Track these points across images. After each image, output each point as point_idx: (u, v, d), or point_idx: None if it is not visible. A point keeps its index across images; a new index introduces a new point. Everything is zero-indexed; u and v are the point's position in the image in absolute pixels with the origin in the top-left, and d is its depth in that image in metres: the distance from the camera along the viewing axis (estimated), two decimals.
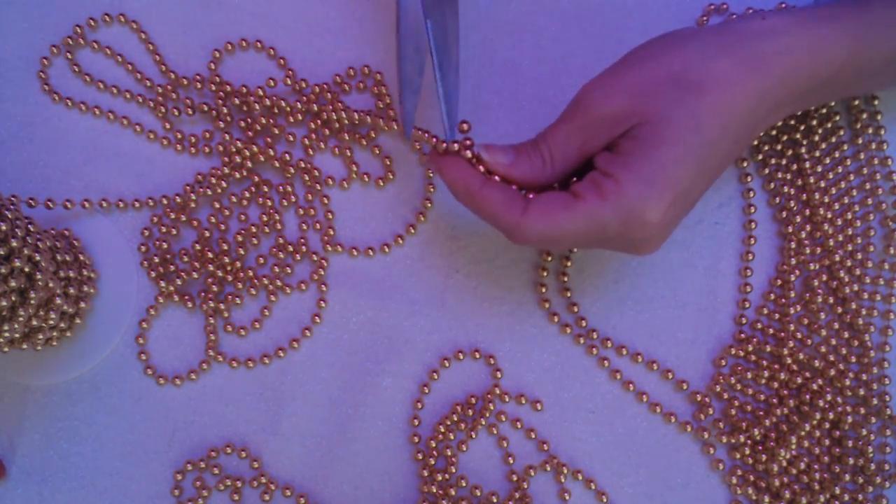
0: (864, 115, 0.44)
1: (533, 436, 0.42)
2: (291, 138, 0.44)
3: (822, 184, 0.44)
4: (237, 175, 0.44)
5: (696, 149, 0.33)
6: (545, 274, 0.43)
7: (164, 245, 0.43)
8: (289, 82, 0.44)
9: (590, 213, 0.33)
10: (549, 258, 0.43)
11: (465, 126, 0.36)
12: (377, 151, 0.44)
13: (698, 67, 0.34)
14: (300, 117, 0.44)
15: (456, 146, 0.36)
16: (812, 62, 0.35)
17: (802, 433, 0.41)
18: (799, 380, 0.41)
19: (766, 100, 0.34)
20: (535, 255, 0.43)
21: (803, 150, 0.44)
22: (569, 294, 0.43)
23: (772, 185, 0.44)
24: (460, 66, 0.45)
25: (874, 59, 0.36)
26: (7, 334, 0.36)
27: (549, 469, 0.41)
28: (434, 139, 0.38)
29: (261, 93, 0.44)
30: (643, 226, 0.33)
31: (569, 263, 0.43)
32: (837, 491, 0.40)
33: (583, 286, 0.43)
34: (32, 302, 0.36)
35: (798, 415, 0.41)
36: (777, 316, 0.43)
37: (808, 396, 0.41)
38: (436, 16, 0.37)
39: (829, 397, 0.41)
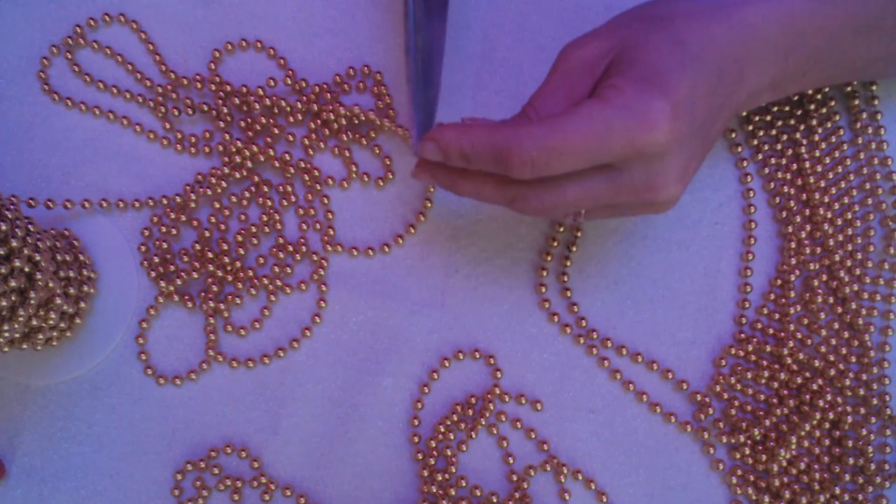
0: (864, 115, 0.44)
1: (533, 436, 0.42)
2: (291, 138, 0.44)
3: (822, 184, 0.44)
4: (237, 175, 0.44)
5: (683, 59, 0.32)
6: (545, 274, 0.43)
7: (164, 245, 0.43)
8: (289, 82, 0.44)
9: (591, 115, 0.31)
10: (556, 243, 0.43)
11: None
12: (377, 151, 0.44)
13: (668, 5, 0.35)
14: (300, 117, 0.44)
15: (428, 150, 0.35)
16: (778, 13, 0.35)
17: (802, 433, 0.41)
18: (799, 380, 0.41)
19: (741, 41, 0.34)
20: (535, 256, 0.43)
21: (803, 150, 0.44)
22: (569, 294, 0.43)
23: (772, 185, 0.44)
24: (460, 67, 0.45)
25: (840, 19, 0.36)
26: (7, 334, 0.36)
27: (549, 469, 0.41)
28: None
29: (261, 92, 0.44)
30: (651, 125, 0.31)
31: (569, 263, 0.43)
32: (837, 491, 0.40)
33: (583, 286, 0.43)
34: (32, 302, 0.36)
35: (798, 415, 0.41)
36: (777, 316, 0.43)
37: (808, 396, 0.41)
38: (426, 30, 0.37)
39: (829, 397, 0.41)
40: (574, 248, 0.43)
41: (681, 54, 0.33)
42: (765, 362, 0.42)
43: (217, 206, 0.44)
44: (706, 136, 0.34)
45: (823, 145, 0.44)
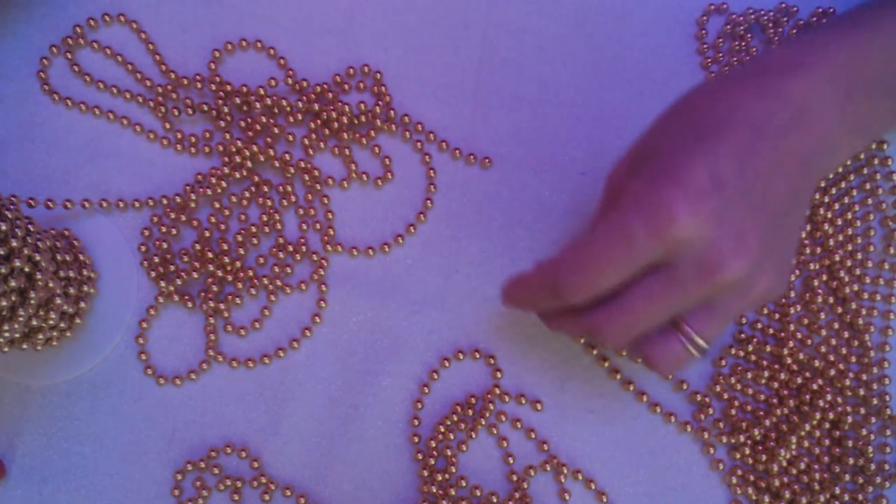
0: None
1: (533, 436, 0.42)
2: (291, 138, 0.44)
3: (823, 184, 0.44)
4: (237, 175, 0.44)
5: (696, 138, 0.31)
6: None
7: (164, 245, 0.43)
8: (289, 82, 0.44)
9: (609, 224, 0.31)
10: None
11: None
12: (377, 151, 0.44)
13: (688, 96, 0.34)
14: (300, 117, 0.44)
15: None
16: (828, 64, 0.34)
17: (802, 433, 0.41)
18: (799, 380, 0.41)
19: (787, 101, 0.33)
20: (535, 256, 0.43)
21: None
22: None
23: None
24: (460, 67, 0.45)
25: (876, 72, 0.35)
26: (7, 334, 0.36)
27: (549, 469, 0.41)
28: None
29: (261, 92, 0.44)
30: (669, 217, 0.30)
31: None
32: (837, 491, 0.40)
33: None
34: (32, 302, 0.36)
35: (798, 415, 0.41)
36: (777, 316, 0.43)
37: (808, 396, 0.41)
38: None
39: (829, 397, 0.41)
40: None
41: (693, 134, 0.31)
42: (765, 362, 0.42)
43: (217, 206, 0.44)
44: (762, 197, 0.32)
45: None
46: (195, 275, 0.43)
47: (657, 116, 0.35)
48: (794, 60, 0.34)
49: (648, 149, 0.33)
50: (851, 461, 0.41)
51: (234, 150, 0.44)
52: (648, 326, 0.33)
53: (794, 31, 0.45)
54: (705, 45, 0.45)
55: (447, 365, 0.43)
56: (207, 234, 0.43)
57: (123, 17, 0.45)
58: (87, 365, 0.42)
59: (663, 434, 0.42)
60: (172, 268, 0.43)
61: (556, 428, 0.42)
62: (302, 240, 0.43)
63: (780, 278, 0.33)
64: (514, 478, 0.41)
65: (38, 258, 0.36)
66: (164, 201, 0.43)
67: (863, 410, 0.42)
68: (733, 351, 0.42)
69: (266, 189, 0.44)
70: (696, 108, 0.33)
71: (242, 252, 0.43)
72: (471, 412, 0.42)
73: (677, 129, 0.33)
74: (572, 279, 0.32)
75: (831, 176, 0.44)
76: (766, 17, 0.45)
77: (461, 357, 0.43)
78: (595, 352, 0.42)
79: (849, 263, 0.43)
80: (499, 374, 0.42)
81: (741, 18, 0.45)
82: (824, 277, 0.43)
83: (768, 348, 0.42)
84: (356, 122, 0.44)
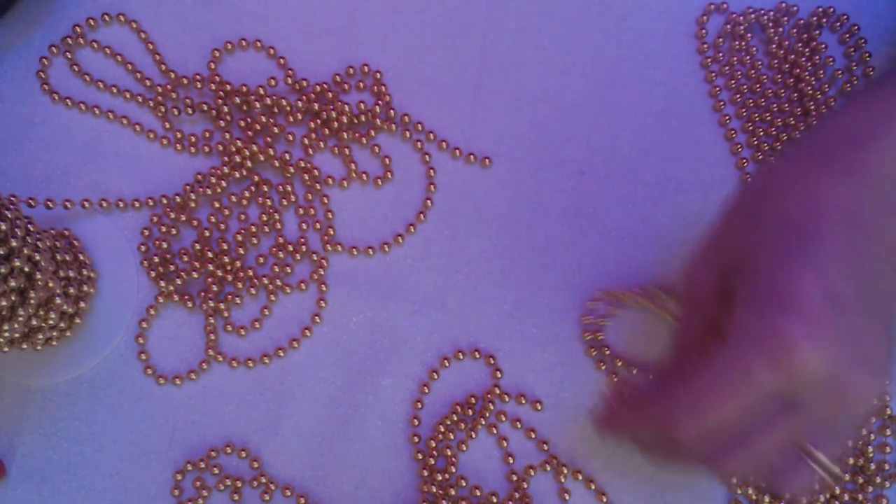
0: None
1: (533, 436, 0.42)
2: (291, 138, 0.44)
3: None
4: (237, 175, 0.44)
5: (797, 253, 0.28)
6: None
7: (164, 245, 0.43)
8: (289, 82, 0.44)
9: (724, 364, 0.28)
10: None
11: None
12: (377, 151, 0.44)
13: (765, 191, 0.31)
14: (300, 117, 0.44)
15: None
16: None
17: None
18: None
19: (863, 185, 0.29)
20: (534, 256, 0.43)
21: None
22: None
23: None
24: (460, 67, 0.45)
25: None
26: (7, 334, 0.36)
27: (549, 469, 0.41)
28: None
29: (261, 92, 0.44)
30: (793, 352, 0.27)
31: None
32: (837, 491, 0.40)
33: (582, 286, 0.43)
34: (32, 302, 0.36)
35: None
36: None
37: None
38: None
39: None
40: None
41: (790, 241, 0.28)
42: None
43: (217, 205, 0.44)
44: (873, 296, 0.29)
45: None
46: (195, 275, 0.43)
47: (732, 208, 0.32)
48: (874, 124, 0.30)
49: (741, 260, 0.30)
50: (851, 461, 0.41)
51: (234, 149, 0.44)
52: (775, 458, 0.30)
53: (798, 32, 0.45)
54: (705, 45, 0.45)
55: (447, 365, 0.43)
56: (207, 233, 0.43)
57: (123, 17, 0.45)
58: (87, 365, 0.42)
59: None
60: (172, 268, 0.43)
61: (556, 428, 0.42)
62: (302, 240, 0.43)
63: None
64: (514, 478, 0.41)
65: (37, 258, 0.36)
66: (164, 201, 0.43)
67: None
68: None
69: (266, 189, 0.44)
70: (783, 206, 0.30)
71: (242, 252, 0.43)
72: (471, 412, 0.42)
73: (770, 234, 0.29)
74: (686, 420, 0.29)
75: None
76: (766, 17, 0.45)
77: (461, 357, 0.43)
78: (595, 352, 0.42)
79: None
80: (499, 374, 0.42)
81: (741, 18, 0.45)
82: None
83: None
84: (356, 121, 0.44)
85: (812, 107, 0.44)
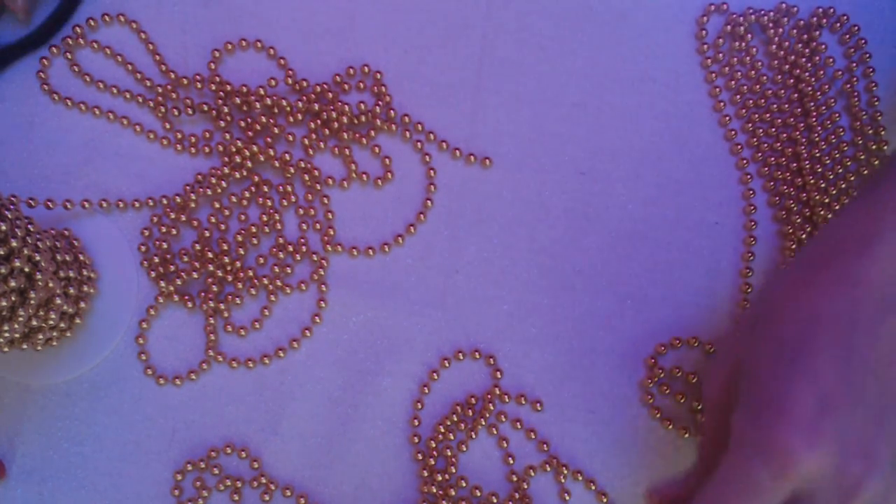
0: (865, 116, 0.44)
1: (533, 436, 0.42)
2: (291, 138, 0.44)
3: (822, 184, 0.44)
4: (237, 175, 0.44)
5: (792, 359, 0.29)
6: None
7: (164, 245, 0.43)
8: (289, 82, 0.44)
9: (729, 472, 0.29)
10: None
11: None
12: (377, 151, 0.44)
13: (770, 294, 0.32)
14: (300, 117, 0.44)
15: None
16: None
17: None
18: None
19: (854, 292, 0.30)
20: (534, 256, 0.43)
21: (803, 149, 0.44)
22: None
23: (772, 185, 0.44)
24: (460, 67, 0.45)
25: None
26: (7, 334, 0.36)
27: (549, 469, 0.41)
28: None
29: (261, 92, 0.44)
30: (791, 459, 0.28)
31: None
32: None
33: (582, 286, 0.43)
34: (32, 302, 0.36)
35: None
36: None
37: None
38: None
39: None
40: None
41: (784, 353, 0.30)
42: None
43: (217, 206, 0.44)
44: (876, 395, 0.30)
45: (823, 145, 0.44)
46: (195, 275, 0.43)
47: (742, 321, 0.33)
48: (867, 231, 0.31)
49: (742, 371, 0.31)
50: None
51: (234, 150, 0.44)
52: None
53: (798, 33, 0.45)
54: (705, 45, 0.45)
55: (447, 365, 0.43)
56: (207, 234, 0.43)
57: (123, 17, 0.45)
58: (87, 365, 0.42)
59: (664, 434, 0.42)
60: (172, 268, 0.43)
61: (556, 428, 0.42)
62: (302, 240, 0.43)
63: None
64: (514, 478, 0.41)
65: (38, 258, 0.36)
66: (164, 201, 0.43)
67: None
68: None
69: (266, 189, 0.44)
70: (779, 316, 0.31)
71: (242, 252, 0.43)
72: (471, 412, 0.42)
73: (766, 347, 0.31)
74: None
75: (831, 176, 0.44)
76: (766, 17, 0.45)
77: (461, 357, 0.43)
78: (594, 353, 0.42)
79: None
80: (499, 374, 0.42)
81: (741, 18, 0.45)
82: None
83: None
84: (356, 122, 0.44)
85: (812, 107, 0.44)
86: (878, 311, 0.30)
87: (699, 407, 0.41)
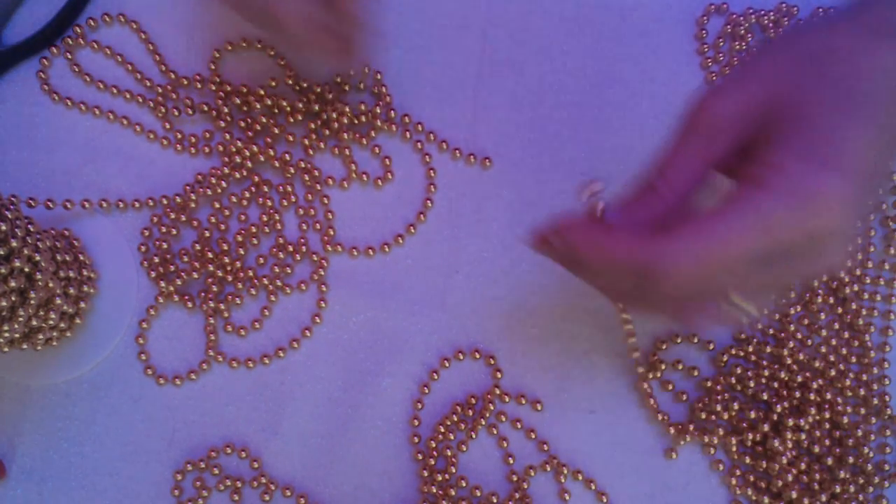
0: None
1: (533, 436, 0.42)
2: (291, 138, 0.44)
3: None
4: (237, 175, 0.44)
5: (850, 110, 0.28)
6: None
7: (164, 245, 0.43)
8: (289, 82, 0.44)
9: (754, 210, 0.27)
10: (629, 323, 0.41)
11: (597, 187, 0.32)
12: (377, 151, 0.44)
13: (824, 38, 0.29)
14: (300, 117, 0.44)
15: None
16: None
17: (803, 435, 0.41)
18: (799, 378, 0.41)
19: None
20: (534, 256, 0.43)
21: None
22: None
23: None
24: (460, 67, 0.45)
25: None
26: (7, 334, 0.36)
27: (549, 469, 0.41)
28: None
29: (261, 92, 0.44)
30: (825, 208, 0.26)
31: None
32: (838, 490, 0.40)
33: (582, 286, 0.43)
34: (32, 302, 0.36)
35: (797, 414, 0.41)
36: (777, 316, 0.43)
37: (811, 395, 0.41)
38: None
39: (828, 397, 0.41)
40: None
41: (849, 107, 0.28)
42: (765, 362, 0.42)
43: (217, 206, 0.44)
44: (878, 174, 0.30)
45: None
46: (195, 275, 0.43)
47: (781, 49, 0.30)
48: None
49: (784, 104, 0.28)
50: (851, 461, 0.41)
51: (234, 150, 0.44)
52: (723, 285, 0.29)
53: None
54: (705, 46, 0.45)
55: (447, 365, 0.43)
56: (207, 234, 0.43)
57: (123, 17, 0.45)
58: (87, 365, 0.42)
59: (663, 434, 0.42)
60: (172, 268, 0.43)
61: (556, 428, 0.42)
62: (302, 240, 0.43)
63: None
64: (514, 478, 0.41)
65: (38, 258, 0.36)
66: (164, 201, 0.43)
67: (863, 410, 0.42)
68: (733, 351, 0.42)
69: (266, 189, 0.44)
70: (838, 65, 0.28)
71: (242, 252, 0.43)
72: (471, 412, 0.42)
73: (822, 90, 0.28)
74: (690, 272, 0.27)
75: None
76: (766, 18, 0.45)
77: (461, 357, 0.43)
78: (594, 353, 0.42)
79: (849, 263, 0.43)
80: (499, 374, 0.42)
81: (741, 18, 0.45)
82: (824, 277, 0.43)
83: (768, 348, 0.42)
84: (356, 122, 0.44)
85: None
86: None
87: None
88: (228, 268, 0.43)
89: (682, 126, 0.30)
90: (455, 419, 0.42)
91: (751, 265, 0.28)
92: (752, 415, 0.42)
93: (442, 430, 0.41)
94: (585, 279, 0.32)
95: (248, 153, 0.43)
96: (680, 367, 0.42)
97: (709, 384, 0.42)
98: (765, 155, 0.28)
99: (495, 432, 0.42)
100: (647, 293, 0.30)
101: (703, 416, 0.41)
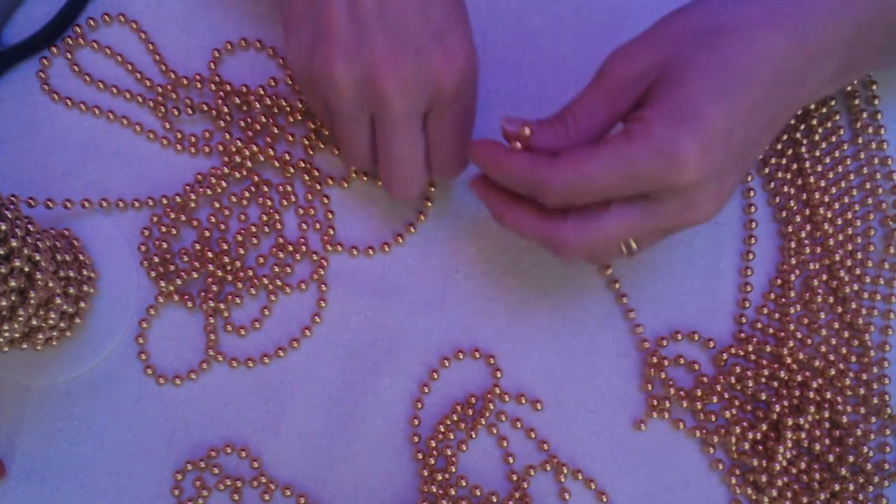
0: (865, 115, 0.44)
1: (533, 436, 0.42)
2: (291, 138, 0.44)
3: (822, 184, 0.44)
4: (237, 175, 0.44)
5: (723, 84, 0.31)
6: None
7: (164, 245, 0.43)
8: (289, 82, 0.44)
9: (617, 153, 0.31)
10: (609, 271, 0.43)
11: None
12: None
13: (720, 12, 0.33)
14: (300, 117, 0.44)
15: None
16: (840, 9, 0.33)
17: (803, 434, 0.41)
18: (799, 378, 0.41)
19: (801, 47, 0.33)
20: (534, 256, 0.43)
21: (803, 150, 0.44)
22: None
23: (772, 185, 0.44)
24: None
25: None
26: (7, 334, 0.36)
27: (549, 469, 0.41)
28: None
29: (261, 92, 0.44)
30: (679, 166, 0.31)
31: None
32: (837, 489, 0.40)
33: (583, 286, 0.43)
34: (32, 302, 0.36)
35: (796, 413, 0.41)
36: (777, 316, 0.43)
37: (811, 394, 0.41)
38: None
39: (828, 396, 0.41)
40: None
41: (724, 80, 0.32)
42: (765, 362, 0.42)
43: (217, 206, 0.44)
44: (749, 153, 0.34)
45: (823, 145, 0.44)
46: (195, 275, 0.43)
47: (676, 18, 0.34)
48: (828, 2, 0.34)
49: (671, 68, 0.32)
50: (851, 460, 0.41)
51: (234, 150, 0.44)
52: (610, 249, 0.35)
53: None
54: None
55: (447, 365, 0.43)
56: (207, 234, 0.43)
57: (123, 17, 0.45)
58: (87, 365, 0.42)
59: (663, 434, 0.42)
60: (172, 268, 0.43)
61: (556, 428, 0.42)
62: (302, 240, 0.43)
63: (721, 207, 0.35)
64: (514, 478, 0.41)
65: (38, 258, 0.36)
66: (164, 201, 0.43)
67: (863, 410, 0.42)
68: (733, 351, 0.42)
69: (266, 189, 0.44)
70: (727, 44, 0.32)
71: (242, 252, 0.43)
72: (471, 412, 0.42)
73: (704, 63, 0.32)
74: (560, 187, 0.32)
75: (831, 175, 0.44)
76: None
77: (461, 357, 0.43)
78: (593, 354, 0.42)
79: (849, 263, 0.43)
80: (499, 374, 0.42)
81: None
82: (824, 277, 0.43)
83: (768, 348, 0.42)
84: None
85: (811, 106, 0.44)
86: (798, 81, 0.34)
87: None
88: (228, 268, 0.43)
89: (595, 75, 0.34)
90: (455, 419, 0.42)
91: (625, 202, 0.33)
92: (752, 415, 0.42)
93: (442, 429, 0.41)
94: (506, 223, 0.36)
95: (248, 153, 0.43)
96: (681, 361, 0.42)
97: (706, 380, 0.42)
98: (639, 111, 0.32)
99: (495, 432, 0.42)
100: (547, 222, 0.35)
101: (702, 416, 0.41)
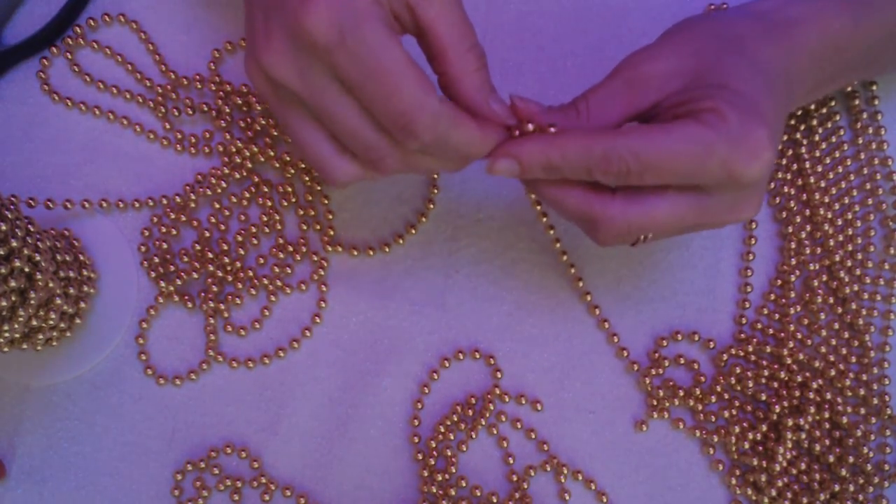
0: (865, 116, 0.44)
1: (533, 436, 0.42)
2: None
3: (822, 184, 0.44)
4: (237, 175, 0.44)
5: (766, 84, 0.33)
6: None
7: (164, 245, 0.43)
8: None
9: (694, 136, 0.31)
10: (558, 244, 0.41)
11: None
12: None
13: (727, 25, 0.34)
14: None
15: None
16: (820, 30, 0.35)
17: (803, 435, 0.41)
18: (799, 378, 0.41)
19: (793, 58, 0.35)
20: (534, 256, 0.43)
21: (803, 150, 0.44)
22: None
23: (772, 185, 0.44)
24: None
25: (875, 30, 0.36)
26: (7, 334, 0.36)
27: (549, 469, 0.41)
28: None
29: None
30: (754, 157, 0.31)
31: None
32: (837, 489, 0.40)
33: (584, 287, 0.43)
34: (32, 302, 0.36)
35: (796, 413, 0.41)
36: (777, 316, 0.43)
37: (811, 394, 0.41)
38: None
39: (828, 396, 0.41)
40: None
41: (763, 79, 0.33)
42: (765, 362, 0.42)
43: (217, 206, 0.44)
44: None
45: (823, 145, 0.44)
46: (195, 275, 0.43)
47: (696, 28, 0.35)
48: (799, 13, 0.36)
49: (709, 70, 0.33)
50: (851, 461, 0.41)
51: (234, 150, 0.44)
52: (651, 236, 0.34)
53: None
54: None
55: (447, 365, 0.43)
56: (207, 234, 0.43)
57: (123, 17, 0.45)
58: (87, 365, 0.42)
59: (663, 434, 0.42)
60: (172, 268, 0.43)
61: (556, 428, 0.42)
62: (302, 240, 0.43)
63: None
64: (514, 478, 0.41)
65: (38, 258, 0.36)
66: (164, 201, 0.43)
67: (863, 410, 0.42)
68: (733, 351, 0.42)
69: (266, 189, 0.44)
70: (748, 49, 0.33)
71: (242, 252, 0.43)
72: (471, 412, 0.42)
73: (743, 63, 0.33)
74: (630, 165, 0.31)
75: (832, 176, 0.44)
76: None
77: (461, 357, 0.43)
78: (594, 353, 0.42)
79: (849, 263, 0.43)
80: (499, 374, 0.42)
81: None
82: (824, 277, 0.43)
83: (768, 348, 0.42)
84: None
85: (812, 107, 0.44)
86: (806, 80, 0.36)
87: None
88: (228, 268, 0.43)
89: (614, 70, 0.34)
90: (455, 419, 0.42)
91: (678, 191, 0.32)
92: (752, 415, 0.42)
93: (442, 430, 0.41)
94: (546, 196, 0.34)
95: (248, 153, 0.43)
96: (681, 361, 0.42)
97: (704, 380, 0.42)
98: (700, 105, 0.31)
99: (495, 432, 0.42)
100: (593, 199, 0.33)
101: (702, 416, 0.41)
